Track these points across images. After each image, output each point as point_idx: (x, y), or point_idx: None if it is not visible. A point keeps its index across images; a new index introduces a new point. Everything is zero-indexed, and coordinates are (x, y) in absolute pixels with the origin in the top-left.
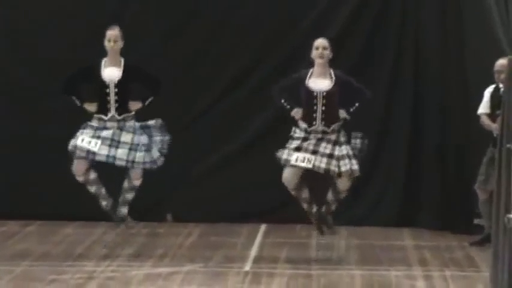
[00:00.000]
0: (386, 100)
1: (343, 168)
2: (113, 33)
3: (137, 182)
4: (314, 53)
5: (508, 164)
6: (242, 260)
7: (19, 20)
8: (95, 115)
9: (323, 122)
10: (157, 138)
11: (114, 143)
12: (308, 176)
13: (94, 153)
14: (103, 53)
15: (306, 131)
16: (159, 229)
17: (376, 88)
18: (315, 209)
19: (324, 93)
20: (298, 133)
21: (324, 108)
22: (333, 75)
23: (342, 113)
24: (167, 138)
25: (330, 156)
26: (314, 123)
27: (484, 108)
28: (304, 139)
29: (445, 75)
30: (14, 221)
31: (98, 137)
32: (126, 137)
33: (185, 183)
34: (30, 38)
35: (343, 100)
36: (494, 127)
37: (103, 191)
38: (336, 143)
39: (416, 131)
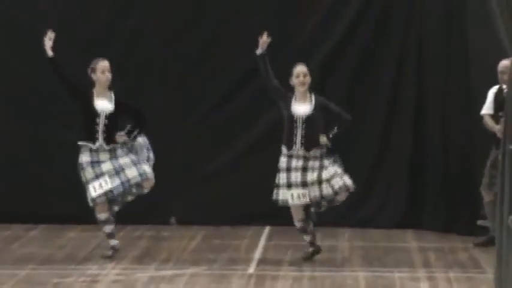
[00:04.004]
0: (388, 103)
1: (336, 186)
2: (106, 65)
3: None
4: (295, 81)
5: None
6: (246, 263)
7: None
8: (83, 143)
9: (303, 147)
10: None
11: (119, 168)
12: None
13: (111, 190)
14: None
15: (288, 156)
16: (163, 232)
17: (379, 89)
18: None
19: (304, 118)
20: (282, 162)
21: (304, 132)
22: (313, 100)
23: (323, 139)
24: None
25: (320, 182)
26: (294, 146)
27: (487, 109)
28: (288, 170)
29: (448, 76)
30: (17, 225)
31: (102, 174)
32: (124, 160)
33: (189, 186)
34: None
35: (324, 125)
36: (497, 128)
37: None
38: (321, 168)
39: (420, 132)
